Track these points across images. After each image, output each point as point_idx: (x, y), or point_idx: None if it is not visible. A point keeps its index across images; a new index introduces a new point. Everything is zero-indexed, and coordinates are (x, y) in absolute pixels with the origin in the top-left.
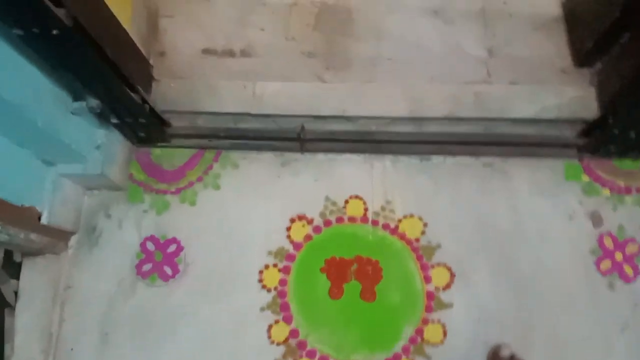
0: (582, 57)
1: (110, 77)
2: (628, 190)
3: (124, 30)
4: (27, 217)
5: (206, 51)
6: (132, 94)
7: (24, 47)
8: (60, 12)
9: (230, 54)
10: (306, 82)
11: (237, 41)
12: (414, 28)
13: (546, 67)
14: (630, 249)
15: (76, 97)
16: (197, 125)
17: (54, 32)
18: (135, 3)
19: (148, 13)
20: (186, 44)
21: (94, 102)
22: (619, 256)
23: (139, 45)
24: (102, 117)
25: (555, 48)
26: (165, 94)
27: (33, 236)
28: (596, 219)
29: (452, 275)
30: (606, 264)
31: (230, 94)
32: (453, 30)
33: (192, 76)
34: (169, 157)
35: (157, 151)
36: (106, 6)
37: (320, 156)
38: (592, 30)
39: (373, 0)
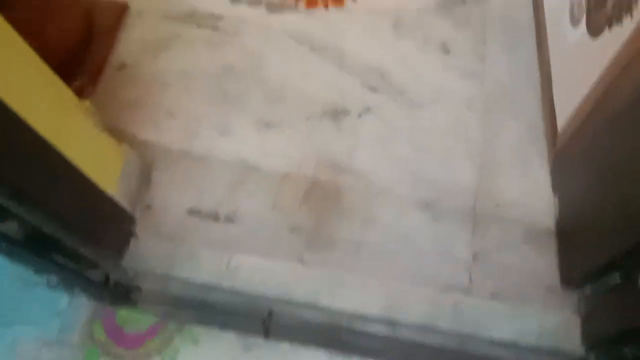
0: (569, 280)
1: (70, 267)
2: None
3: (102, 197)
4: None
5: (191, 211)
6: (95, 271)
7: None
8: (9, 227)
9: (215, 217)
10: (284, 262)
11: (224, 205)
12: (402, 219)
13: (532, 282)
14: None
15: (37, 271)
16: (166, 291)
17: (3, 246)
18: (129, 155)
19: (142, 164)
20: (174, 200)
21: (54, 280)
22: None
23: (124, 198)
24: (64, 288)
25: (544, 261)
26: (143, 253)
27: None
28: None
29: None
30: None
31: (205, 263)
32: (440, 228)
33: (173, 236)
34: (133, 321)
35: (122, 312)
36: (82, 178)
37: (285, 345)
38: (582, 260)
39: (365, 184)
